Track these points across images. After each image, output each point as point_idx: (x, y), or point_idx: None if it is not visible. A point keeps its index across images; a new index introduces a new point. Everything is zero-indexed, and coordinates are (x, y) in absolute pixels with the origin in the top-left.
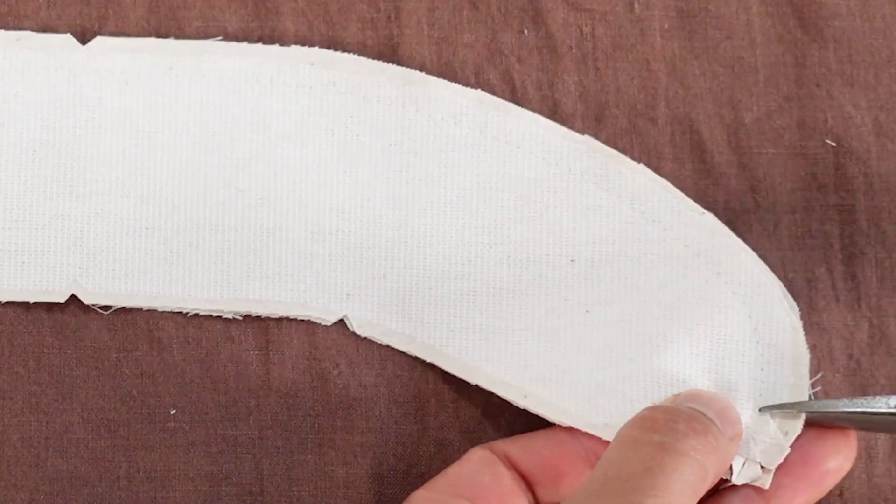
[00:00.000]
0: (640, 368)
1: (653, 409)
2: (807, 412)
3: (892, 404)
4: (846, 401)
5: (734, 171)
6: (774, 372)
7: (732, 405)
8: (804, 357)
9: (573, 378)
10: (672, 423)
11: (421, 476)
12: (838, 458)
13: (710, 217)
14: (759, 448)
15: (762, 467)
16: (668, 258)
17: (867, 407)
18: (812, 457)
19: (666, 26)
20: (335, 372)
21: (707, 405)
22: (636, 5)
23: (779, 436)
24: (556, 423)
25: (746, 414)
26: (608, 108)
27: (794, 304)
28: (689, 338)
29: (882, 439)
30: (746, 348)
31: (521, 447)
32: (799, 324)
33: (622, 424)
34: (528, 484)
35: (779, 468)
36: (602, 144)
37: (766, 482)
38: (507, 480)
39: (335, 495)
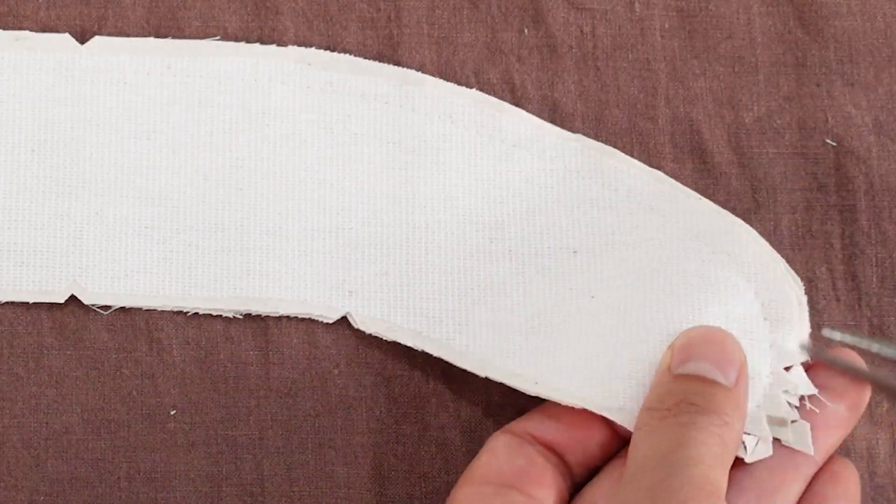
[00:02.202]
0: (651, 351)
1: (657, 399)
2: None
3: None
4: (866, 338)
5: (734, 171)
6: (784, 347)
7: (726, 337)
8: (807, 332)
9: (585, 364)
10: (681, 405)
11: (422, 476)
12: (859, 394)
13: (706, 202)
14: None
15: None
16: (668, 241)
17: (883, 351)
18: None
19: (666, 26)
20: (335, 372)
21: (702, 357)
22: (636, 5)
23: (793, 413)
24: (571, 405)
25: (759, 392)
26: (608, 107)
27: (798, 277)
28: (698, 319)
29: (883, 440)
30: (755, 325)
31: (539, 420)
32: (804, 298)
33: (637, 409)
34: (557, 453)
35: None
36: (594, 141)
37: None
38: (540, 458)
39: (335, 495)
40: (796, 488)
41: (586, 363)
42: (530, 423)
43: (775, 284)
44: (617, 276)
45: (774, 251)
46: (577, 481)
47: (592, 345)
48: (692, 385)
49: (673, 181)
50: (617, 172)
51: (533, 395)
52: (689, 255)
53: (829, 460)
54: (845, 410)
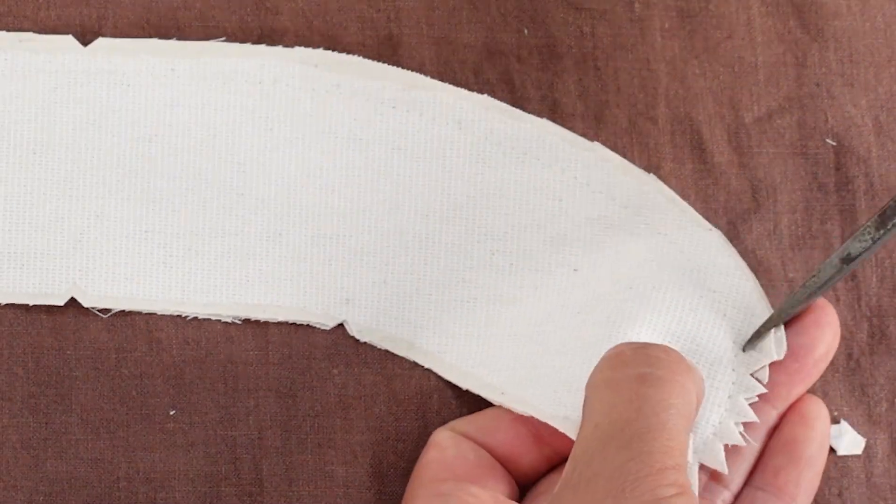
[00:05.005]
0: None
1: (616, 347)
2: (778, 325)
3: (836, 262)
4: (801, 289)
5: (734, 171)
6: (748, 382)
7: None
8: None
9: (548, 376)
10: (642, 352)
11: None
12: (825, 341)
13: (716, 234)
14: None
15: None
16: (668, 267)
17: (820, 281)
18: (800, 350)
19: (666, 26)
20: (334, 371)
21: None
22: (636, 5)
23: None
24: (521, 413)
25: (710, 431)
26: (608, 107)
27: (784, 340)
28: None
29: (881, 439)
30: (722, 373)
31: (477, 429)
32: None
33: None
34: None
35: (772, 366)
36: (612, 153)
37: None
38: (485, 453)
39: (335, 495)
40: (755, 445)
41: (547, 374)
42: (470, 428)
43: (759, 342)
44: (608, 293)
45: (768, 304)
46: (522, 482)
47: (562, 359)
48: (651, 343)
49: (686, 205)
50: (629, 189)
51: (498, 405)
52: (683, 285)
53: (798, 400)
54: (811, 365)
